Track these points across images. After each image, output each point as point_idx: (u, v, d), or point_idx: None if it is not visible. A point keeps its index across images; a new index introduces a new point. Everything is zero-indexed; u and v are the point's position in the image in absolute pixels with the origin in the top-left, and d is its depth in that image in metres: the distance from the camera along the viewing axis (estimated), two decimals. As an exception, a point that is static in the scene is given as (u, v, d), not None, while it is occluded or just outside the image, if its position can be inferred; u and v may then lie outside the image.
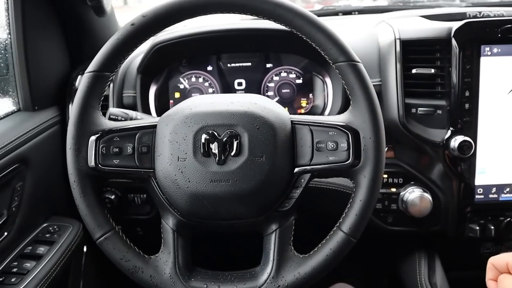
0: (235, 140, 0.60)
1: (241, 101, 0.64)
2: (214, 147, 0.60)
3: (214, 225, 0.64)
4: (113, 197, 0.97)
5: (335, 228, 0.62)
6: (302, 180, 0.63)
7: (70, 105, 1.02)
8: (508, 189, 0.91)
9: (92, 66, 0.63)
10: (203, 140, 0.60)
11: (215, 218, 0.62)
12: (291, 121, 0.64)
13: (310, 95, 1.02)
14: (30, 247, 0.88)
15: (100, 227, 0.63)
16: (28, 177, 0.89)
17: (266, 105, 0.64)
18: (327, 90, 1.00)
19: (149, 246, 0.71)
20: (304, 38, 0.64)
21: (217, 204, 0.60)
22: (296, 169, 0.62)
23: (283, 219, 0.63)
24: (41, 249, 0.88)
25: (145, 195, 0.97)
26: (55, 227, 0.95)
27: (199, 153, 0.60)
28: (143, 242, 0.66)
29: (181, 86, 1.03)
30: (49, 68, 1.00)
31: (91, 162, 0.63)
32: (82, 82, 0.63)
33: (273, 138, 0.61)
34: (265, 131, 0.61)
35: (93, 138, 0.63)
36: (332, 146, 0.62)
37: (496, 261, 0.54)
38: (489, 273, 0.55)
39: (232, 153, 0.60)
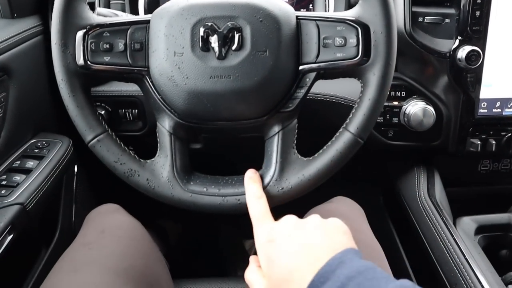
0: (236, 33, 0.55)
1: None
2: (214, 41, 0.55)
3: (213, 126, 0.60)
4: (103, 112, 0.93)
5: (341, 129, 0.59)
6: (307, 80, 0.59)
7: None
8: (512, 103, 0.89)
9: None
10: (201, 33, 0.55)
11: (214, 118, 0.59)
12: (296, 16, 0.59)
13: (310, 5, 0.96)
14: (18, 162, 0.85)
15: (92, 129, 0.59)
16: (11, 88, 0.83)
17: None
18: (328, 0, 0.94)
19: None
20: None
21: (217, 102, 0.57)
22: (301, 67, 0.58)
23: (286, 121, 0.60)
24: (30, 163, 0.84)
25: (136, 110, 0.93)
26: (44, 142, 0.91)
27: (198, 47, 0.56)
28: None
29: (173, -5, 0.95)
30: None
31: (80, 59, 0.58)
32: None
33: (277, 32, 0.56)
34: (268, 24, 0.56)
35: (80, 33, 0.58)
36: (340, 42, 0.57)
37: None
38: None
39: (233, 47, 0.55)
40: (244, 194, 0.59)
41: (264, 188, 0.59)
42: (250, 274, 0.53)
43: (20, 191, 0.77)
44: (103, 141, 0.59)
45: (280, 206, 0.60)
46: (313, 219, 0.50)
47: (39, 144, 0.90)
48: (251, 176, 0.59)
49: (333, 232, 0.47)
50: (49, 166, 0.85)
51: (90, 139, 0.59)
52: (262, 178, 0.60)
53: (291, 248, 0.46)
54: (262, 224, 0.52)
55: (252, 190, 0.57)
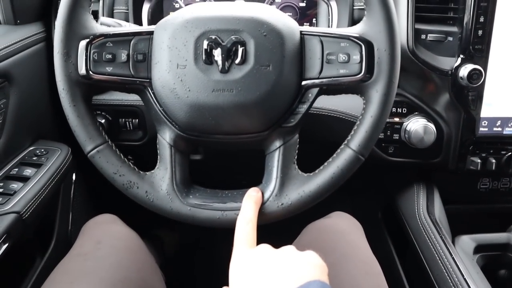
0: (240, 47, 0.55)
1: (247, 7, 0.58)
2: (217, 54, 0.55)
3: (214, 140, 0.60)
4: (103, 121, 0.93)
5: (342, 146, 0.59)
6: (310, 95, 0.59)
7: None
8: (513, 123, 0.89)
9: None
10: (205, 46, 0.55)
11: (216, 131, 0.59)
12: (300, 31, 0.59)
13: (314, 19, 0.97)
14: (16, 169, 0.84)
15: (91, 139, 0.58)
16: (12, 95, 0.83)
17: (274, 13, 0.59)
18: (331, 14, 0.94)
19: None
20: None
21: (219, 116, 0.56)
22: (304, 82, 0.58)
23: (288, 136, 0.60)
24: (28, 171, 0.83)
25: (137, 120, 0.93)
26: (43, 150, 0.90)
27: (201, 60, 0.56)
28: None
29: (177, 5, 0.96)
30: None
31: (82, 69, 0.57)
32: None
33: (281, 46, 0.56)
34: (272, 38, 0.56)
35: (83, 42, 0.57)
36: (344, 58, 0.57)
37: None
38: None
39: (237, 61, 0.55)
40: None
41: (264, 203, 0.58)
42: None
43: (17, 199, 0.76)
44: (102, 152, 0.59)
45: (279, 221, 0.60)
46: (287, 250, 0.49)
47: (37, 151, 0.89)
48: (251, 195, 0.58)
49: (303, 264, 0.45)
50: (47, 174, 0.84)
51: (89, 150, 0.58)
52: (262, 193, 0.59)
53: (259, 277, 0.46)
54: (240, 249, 0.52)
55: (245, 212, 0.56)
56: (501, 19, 0.83)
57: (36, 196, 0.79)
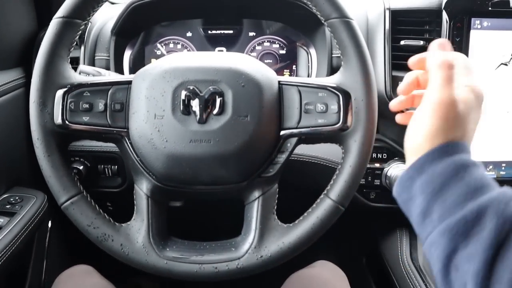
0: (218, 97, 0.55)
1: (225, 58, 0.59)
2: (195, 104, 0.55)
3: (192, 190, 0.59)
4: (81, 167, 0.90)
5: (322, 196, 0.58)
6: (288, 145, 0.59)
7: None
8: (491, 167, 0.89)
9: (62, 11, 0.57)
10: (183, 97, 0.55)
11: (193, 182, 0.58)
12: (278, 81, 0.59)
13: (294, 66, 0.98)
14: (-12, 218, 0.81)
15: (66, 190, 0.57)
16: (-13, 142, 0.82)
17: (252, 63, 0.59)
18: (311, 61, 0.96)
19: (119, 221, 0.65)
20: None
21: (196, 167, 0.55)
22: (282, 132, 0.58)
23: (267, 186, 0.59)
24: (0, 220, 0.81)
25: (116, 166, 0.91)
26: (17, 198, 0.88)
27: (178, 110, 0.55)
28: (113, 217, 0.61)
29: (158, 52, 0.96)
30: (13, 26, 0.92)
31: (58, 119, 0.56)
32: (49, 28, 0.57)
33: (259, 97, 0.56)
34: (250, 89, 0.56)
35: (60, 92, 0.57)
36: (322, 108, 0.58)
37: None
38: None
39: (215, 112, 0.55)
40: (222, 262, 0.57)
41: (242, 256, 0.57)
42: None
43: (-14, 251, 0.73)
44: (77, 203, 0.57)
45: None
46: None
47: (11, 199, 0.87)
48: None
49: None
50: (20, 223, 0.81)
51: (63, 201, 0.57)
52: (240, 245, 0.58)
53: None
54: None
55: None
56: (475, 67, 0.85)
57: (8, 247, 0.76)
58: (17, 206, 0.85)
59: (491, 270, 0.34)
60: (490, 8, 0.83)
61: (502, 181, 0.90)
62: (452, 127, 0.43)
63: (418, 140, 0.44)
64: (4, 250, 0.75)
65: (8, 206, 0.85)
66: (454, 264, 0.37)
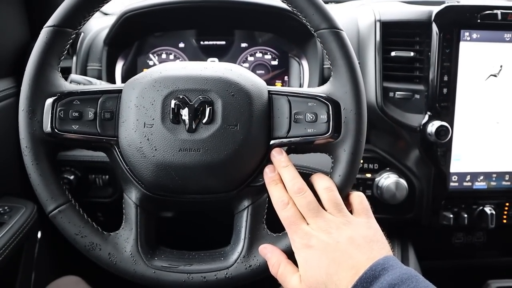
0: (207, 107, 0.55)
1: (215, 67, 0.59)
2: (185, 113, 0.55)
3: (181, 199, 0.59)
4: (72, 177, 0.90)
5: None
6: None
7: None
8: (481, 177, 0.90)
9: (52, 20, 0.57)
10: (172, 106, 0.55)
11: (182, 191, 0.57)
12: (268, 91, 0.59)
13: (286, 77, 0.99)
14: (-24, 229, 0.80)
15: (53, 199, 0.56)
16: (-24, 151, 0.81)
17: (242, 73, 0.59)
18: (303, 72, 0.97)
19: (110, 231, 0.65)
20: (286, 4, 0.60)
21: (186, 176, 0.55)
22: (272, 141, 0.58)
23: (256, 196, 0.59)
24: (-12, 231, 0.80)
25: (107, 176, 0.91)
26: (6, 208, 0.87)
27: (168, 119, 0.55)
28: (104, 228, 0.60)
29: (151, 63, 0.97)
30: (5, 36, 0.92)
31: (47, 127, 0.56)
32: (40, 37, 0.56)
33: (248, 106, 0.56)
34: (240, 98, 0.56)
35: (50, 100, 0.57)
36: (311, 117, 0.58)
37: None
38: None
39: (204, 121, 0.55)
40: (210, 272, 0.56)
41: (231, 265, 0.56)
42: (283, 268, 0.53)
43: (-27, 261, 0.72)
44: (64, 212, 0.56)
45: (250, 283, 0.58)
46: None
47: (0, 209, 0.86)
48: (272, 178, 0.57)
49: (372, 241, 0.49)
50: (8, 234, 0.80)
51: (51, 210, 0.56)
52: (229, 254, 0.57)
53: (330, 254, 0.48)
54: (296, 229, 0.52)
55: (277, 195, 0.55)
56: (464, 78, 0.86)
57: (-4, 258, 0.75)
58: (5, 216, 0.84)
59: None
60: (479, 21, 0.85)
61: (493, 191, 0.90)
62: None
63: None
64: (-8, 261, 0.74)
65: (-4, 216, 0.84)
66: None
